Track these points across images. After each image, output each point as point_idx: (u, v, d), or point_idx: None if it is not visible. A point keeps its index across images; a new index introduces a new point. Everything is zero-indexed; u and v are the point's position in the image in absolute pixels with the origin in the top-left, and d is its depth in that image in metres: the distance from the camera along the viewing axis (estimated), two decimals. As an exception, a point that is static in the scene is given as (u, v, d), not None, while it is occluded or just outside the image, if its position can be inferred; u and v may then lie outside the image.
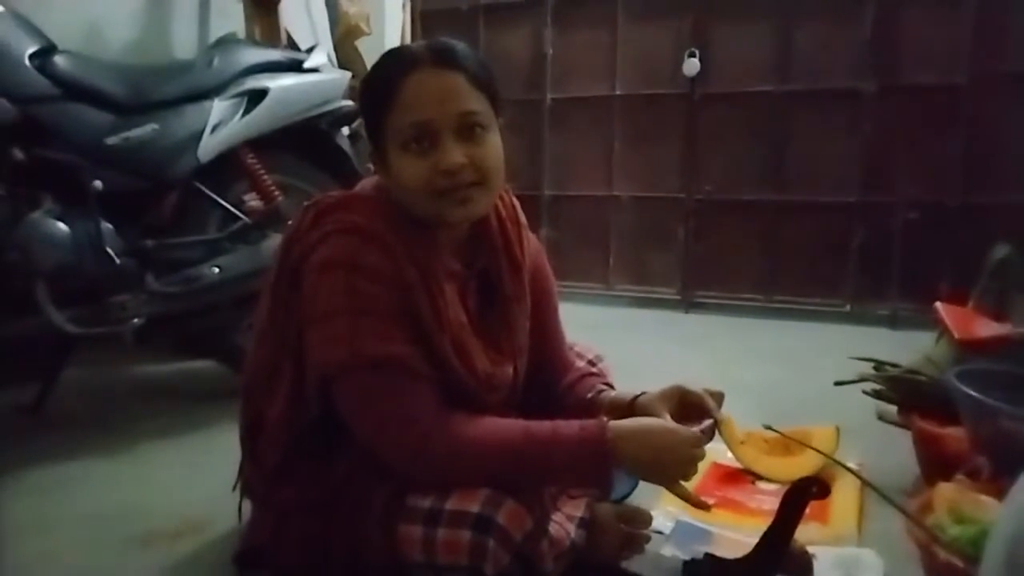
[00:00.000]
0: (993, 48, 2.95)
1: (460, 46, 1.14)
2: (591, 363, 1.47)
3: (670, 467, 1.11)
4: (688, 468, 1.11)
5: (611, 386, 1.38)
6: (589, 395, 1.33)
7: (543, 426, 1.10)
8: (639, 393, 1.27)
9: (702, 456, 1.12)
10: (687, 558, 1.29)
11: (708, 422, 1.19)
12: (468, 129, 1.11)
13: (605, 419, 1.12)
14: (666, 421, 1.16)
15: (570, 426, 1.10)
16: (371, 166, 1.22)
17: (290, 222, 1.24)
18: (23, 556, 1.40)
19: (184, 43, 2.89)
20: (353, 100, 2.74)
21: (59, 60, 1.91)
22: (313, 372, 1.10)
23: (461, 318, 1.19)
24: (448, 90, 1.10)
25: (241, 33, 2.93)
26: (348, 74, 2.51)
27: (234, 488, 1.31)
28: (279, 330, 1.17)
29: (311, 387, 1.11)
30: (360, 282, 1.08)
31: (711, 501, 1.53)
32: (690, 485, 1.14)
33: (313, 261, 1.11)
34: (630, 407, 1.25)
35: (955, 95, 3.01)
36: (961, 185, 3.04)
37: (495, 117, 1.16)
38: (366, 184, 1.21)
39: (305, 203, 1.20)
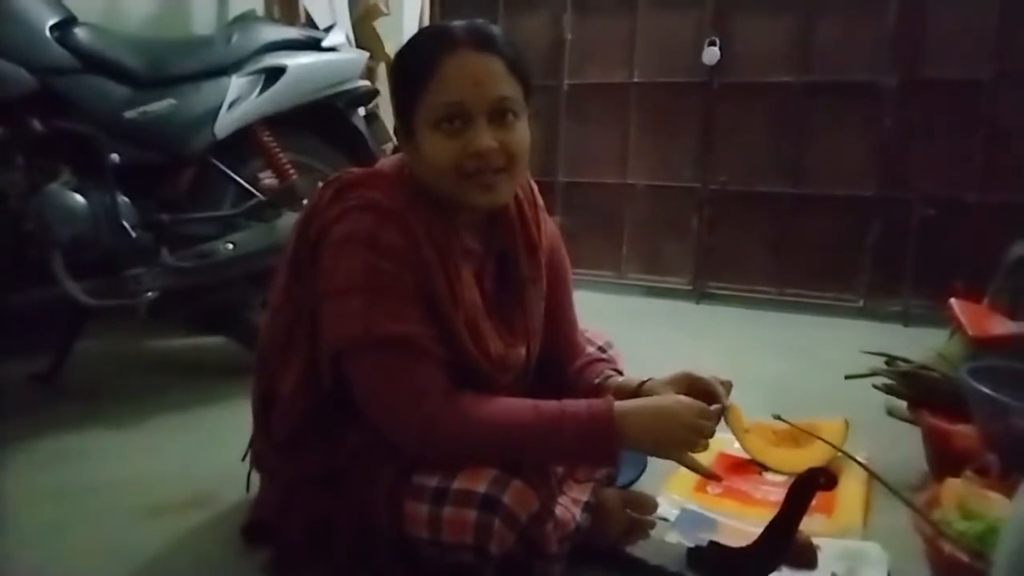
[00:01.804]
0: (1019, 43, 2.91)
1: (499, 31, 1.15)
2: (601, 349, 1.47)
3: (675, 436, 1.11)
4: (693, 436, 1.11)
5: (620, 372, 1.38)
6: (597, 380, 1.34)
7: (551, 404, 1.10)
8: (646, 379, 1.27)
9: (709, 428, 1.12)
10: (691, 545, 1.29)
11: (716, 407, 1.18)
12: (500, 115, 1.11)
13: (611, 398, 1.13)
14: (670, 395, 1.16)
15: (577, 404, 1.11)
16: (391, 143, 1.22)
17: (307, 199, 1.24)
18: (34, 524, 1.42)
19: (203, 19, 2.90)
20: (370, 80, 2.74)
21: (79, 32, 1.91)
22: (326, 347, 1.11)
23: (476, 299, 1.19)
24: (486, 74, 1.10)
25: (260, 11, 2.93)
26: (366, 54, 2.51)
27: (243, 458, 1.33)
28: (295, 304, 1.17)
29: (324, 362, 1.12)
30: (377, 260, 1.08)
31: (718, 490, 1.54)
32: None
33: (332, 237, 1.11)
34: (636, 392, 1.25)
35: (978, 91, 2.98)
36: (980, 182, 3.00)
37: (526, 105, 1.16)
38: (386, 162, 1.21)
39: (325, 179, 1.20)
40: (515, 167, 1.14)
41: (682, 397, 1.14)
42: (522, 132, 1.14)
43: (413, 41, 1.17)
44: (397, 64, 1.17)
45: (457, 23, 1.13)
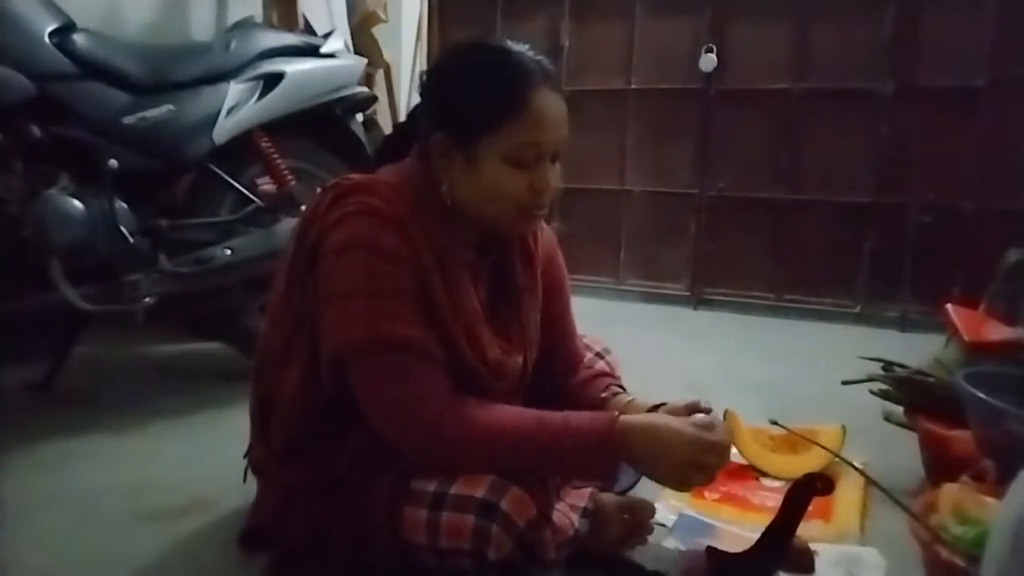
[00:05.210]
0: (1014, 51, 2.92)
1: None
2: (599, 356, 1.47)
3: (677, 467, 1.09)
4: (695, 473, 1.10)
5: (622, 387, 1.38)
6: (602, 395, 1.33)
7: (554, 415, 1.10)
8: (657, 403, 1.25)
9: (713, 462, 1.10)
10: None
11: (721, 438, 1.12)
12: (556, 155, 1.14)
13: (616, 413, 1.12)
14: (680, 421, 1.13)
15: (581, 416, 1.11)
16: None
17: (307, 204, 1.24)
18: (30, 530, 1.41)
19: (202, 25, 2.90)
20: (368, 87, 2.75)
21: (78, 38, 1.91)
22: (328, 353, 1.11)
23: (474, 306, 1.19)
24: (562, 116, 1.13)
25: (259, 17, 2.94)
26: (364, 60, 2.51)
27: (244, 480, 1.33)
28: (294, 310, 1.17)
29: (326, 367, 1.12)
30: (378, 264, 1.08)
31: (715, 495, 1.54)
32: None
33: (331, 242, 1.11)
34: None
35: (973, 98, 2.99)
36: (976, 189, 3.01)
37: None
38: (387, 169, 1.22)
39: (323, 185, 1.20)
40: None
41: (687, 430, 1.10)
42: (559, 171, 1.17)
43: (484, 64, 1.13)
44: (466, 85, 1.13)
45: (523, 52, 1.12)
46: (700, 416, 1.15)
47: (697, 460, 1.09)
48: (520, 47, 1.14)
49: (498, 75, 1.11)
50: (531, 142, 1.10)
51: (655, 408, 1.24)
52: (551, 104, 1.12)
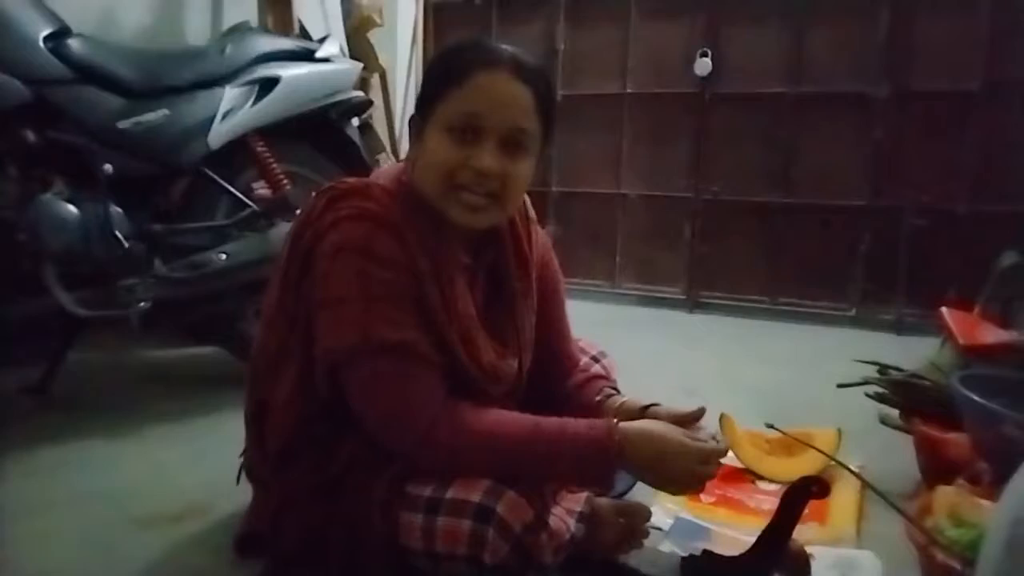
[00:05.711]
0: (1007, 55, 2.94)
1: (541, 67, 1.16)
2: (595, 359, 1.47)
3: (673, 476, 1.11)
4: (690, 481, 1.11)
5: (617, 389, 1.38)
6: (597, 398, 1.33)
7: (551, 422, 1.11)
8: (650, 404, 1.26)
9: (709, 473, 1.11)
10: (685, 554, 1.29)
11: (717, 446, 1.15)
12: (513, 144, 1.12)
13: (615, 420, 1.12)
14: (676, 430, 1.14)
15: (578, 424, 1.11)
16: (384, 154, 1.22)
17: (302, 208, 1.24)
18: (25, 535, 1.41)
19: (197, 30, 2.91)
20: (364, 91, 2.75)
21: (73, 43, 1.91)
22: (323, 356, 1.11)
23: (470, 310, 1.19)
24: (513, 99, 1.11)
25: (254, 22, 2.94)
26: (360, 65, 2.52)
27: (238, 482, 1.32)
28: (288, 314, 1.17)
29: (320, 372, 1.12)
30: (372, 268, 1.08)
31: (711, 499, 1.54)
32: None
33: (325, 246, 1.11)
34: (640, 416, 1.23)
35: (967, 102, 3.00)
36: (970, 192, 3.03)
37: (540, 146, 1.17)
38: (382, 173, 1.22)
39: (319, 189, 1.20)
40: (507, 198, 1.14)
41: (687, 440, 1.11)
42: (526, 168, 1.15)
43: (458, 45, 1.17)
44: (433, 61, 1.19)
45: (507, 47, 1.15)
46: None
47: (695, 469, 1.10)
48: (512, 48, 1.15)
49: (457, 52, 1.15)
50: (468, 112, 1.10)
51: (647, 408, 1.25)
52: (501, 84, 1.11)
